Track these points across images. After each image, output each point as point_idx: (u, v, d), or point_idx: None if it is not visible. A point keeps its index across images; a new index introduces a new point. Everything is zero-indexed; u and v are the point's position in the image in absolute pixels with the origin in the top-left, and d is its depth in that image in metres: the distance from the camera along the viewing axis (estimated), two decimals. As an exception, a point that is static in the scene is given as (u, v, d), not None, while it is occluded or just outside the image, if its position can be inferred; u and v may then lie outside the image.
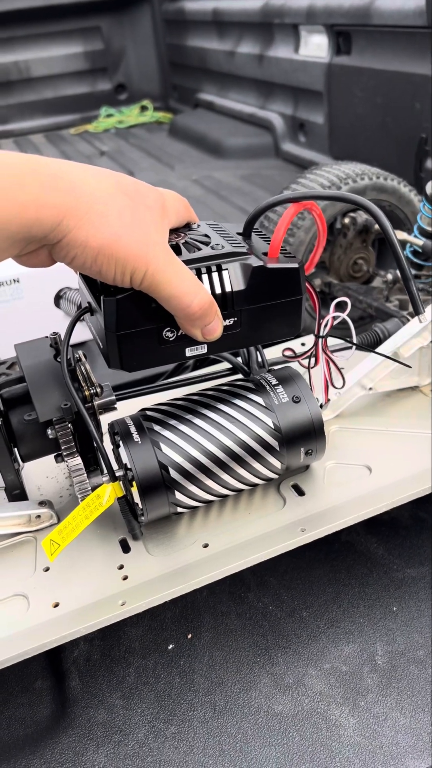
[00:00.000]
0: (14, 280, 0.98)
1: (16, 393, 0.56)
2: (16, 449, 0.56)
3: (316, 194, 0.49)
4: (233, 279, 0.46)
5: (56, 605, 0.49)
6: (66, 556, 0.54)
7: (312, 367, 0.57)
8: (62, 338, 0.56)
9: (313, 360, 0.56)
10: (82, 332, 1.07)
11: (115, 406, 0.58)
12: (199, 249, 0.47)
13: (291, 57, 1.81)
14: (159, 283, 0.43)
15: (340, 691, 0.51)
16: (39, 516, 0.57)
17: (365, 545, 0.64)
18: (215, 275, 0.46)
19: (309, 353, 0.56)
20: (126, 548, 0.54)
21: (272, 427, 0.53)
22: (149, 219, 0.44)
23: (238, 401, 0.54)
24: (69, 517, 0.51)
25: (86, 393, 0.56)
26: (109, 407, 0.58)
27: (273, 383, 0.56)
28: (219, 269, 0.46)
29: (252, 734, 0.49)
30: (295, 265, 0.48)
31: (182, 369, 0.78)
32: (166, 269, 0.43)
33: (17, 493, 0.58)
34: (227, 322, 0.47)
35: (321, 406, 0.58)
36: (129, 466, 0.51)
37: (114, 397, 0.58)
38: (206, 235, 0.49)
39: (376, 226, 0.90)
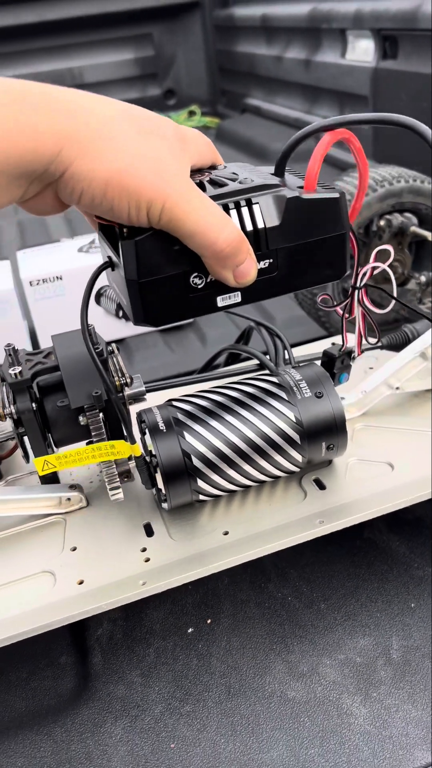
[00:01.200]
0: (57, 278, 1.02)
1: (51, 381, 0.59)
2: (50, 435, 0.59)
3: (353, 119, 0.44)
4: (266, 213, 0.42)
5: (81, 582, 0.52)
6: (93, 537, 0.56)
7: (348, 318, 0.55)
8: (91, 332, 0.58)
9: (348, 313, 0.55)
10: (118, 329, 1.10)
11: (145, 397, 0.61)
12: (226, 185, 0.42)
13: (337, 62, 1.82)
14: (179, 217, 0.38)
15: (353, 681, 0.52)
16: (69, 499, 0.60)
17: (387, 543, 0.64)
18: (245, 210, 0.41)
19: (345, 303, 0.54)
20: (150, 532, 0.56)
21: (294, 420, 0.54)
22: (165, 148, 0.39)
23: (261, 395, 0.56)
24: (75, 450, 0.53)
25: (117, 383, 0.58)
26: (138, 398, 0.61)
27: (297, 378, 0.57)
28: (249, 203, 0.41)
29: (264, 717, 0.50)
30: (336, 195, 0.43)
31: (212, 366, 0.80)
32: (186, 201, 0.38)
33: (49, 476, 0.61)
34: (262, 264, 0.43)
35: (348, 367, 0.61)
36: (154, 453, 0.53)
37: (144, 389, 0.60)
38: (233, 173, 0.45)
39: (412, 228, 0.90)
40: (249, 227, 0.42)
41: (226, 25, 2.58)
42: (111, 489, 0.54)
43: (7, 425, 0.59)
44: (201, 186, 0.43)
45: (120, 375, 0.59)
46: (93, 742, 0.50)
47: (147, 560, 0.53)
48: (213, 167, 0.46)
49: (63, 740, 0.50)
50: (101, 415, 0.58)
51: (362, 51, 1.72)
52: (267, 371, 0.65)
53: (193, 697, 0.52)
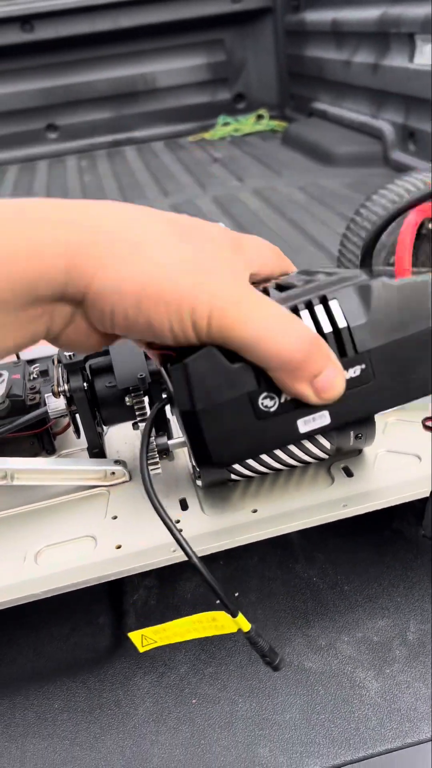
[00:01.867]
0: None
1: (102, 363, 0.64)
2: (99, 414, 0.65)
3: None
4: (347, 309, 0.33)
5: (119, 547, 0.57)
6: (132, 508, 0.61)
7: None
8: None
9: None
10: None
11: (188, 382, 0.65)
12: (295, 286, 0.35)
13: (405, 66, 1.82)
14: (232, 326, 0.31)
15: (368, 657, 0.55)
16: (114, 473, 0.65)
17: (415, 534, 0.66)
18: (319, 309, 0.33)
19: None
20: (184, 506, 0.60)
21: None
22: (211, 250, 0.32)
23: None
24: (174, 623, 0.47)
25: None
26: (182, 383, 0.65)
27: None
28: (324, 300, 0.34)
29: (281, 683, 0.54)
30: (427, 278, 0.35)
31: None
32: (237, 305, 0.31)
33: (97, 451, 0.66)
34: (351, 373, 0.34)
35: None
36: (188, 433, 0.57)
37: (186, 375, 0.65)
38: (306, 272, 0.39)
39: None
40: (327, 328, 0.34)
41: (297, 30, 2.61)
42: (150, 464, 0.59)
43: (61, 403, 0.65)
44: (264, 292, 0.35)
45: (164, 361, 0.63)
46: (122, 692, 0.54)
47: (180, 531, 0.57)
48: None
49: (96, 688, 0.55)
50: (146, 397, 0.63)
51: (430, 55, 1.72)
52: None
53: (217, 660, 0.56)
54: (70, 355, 0.62)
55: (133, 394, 0.61)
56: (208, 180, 2.21)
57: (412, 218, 0.38)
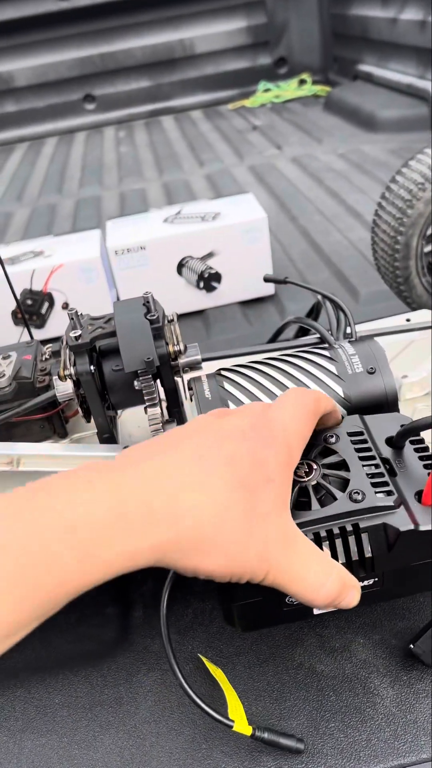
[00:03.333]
0: (141, 248, 1.05)
1: (111, 345, 0.61)
2: (107, 397, 0.62)
3: None
4: (374, 543, 0.39)
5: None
6: (140, 498, 0.59)
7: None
8: (153, 299, 0.60)
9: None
10: (199, 300, 1.11)
11: (201, 365, 0.62)
12: (334, 498, 0.40)
13: (454, 21, 1.71)
14: (282, 584, 0.37)
15: (385, 662, 0.51)
16: (123, 460, 0.62)
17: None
18: (351, 540, 0.39)
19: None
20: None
21: (342, 396, 0.53)
22: (270, 504, 0.36)
23: (310, 367, 0.55)
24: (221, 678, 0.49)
25: (170, 350, 0.59)
26: (194, 366, 0.62)
27: (350, 353, 0.56)
28: (357, 531, 0.39)
29: (289, 686, 0.51)
30: None
31: (278, 339, 0.80)
32: (288, 568, 0.36)
33: (107, 436, 0.64)
34: (365, 583, 0.40)
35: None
36: (198, 420, 0.54)
37: (199, 357, 0.61)
38: (344, 463, 0.42)
39: None
40: (355, 557, 0.39)
41: (341, -13, 2.49)
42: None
43: (68, 387, 0.62)
44: (304, 492, 0.41)
45: (175, 343, 0.60)
46: (125, 689, 0.52)
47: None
48: (327, 431, 0.45)
49: (98, 684, 0.53)
50: (156, 381, 0.60)
51: None
52: (325, 344, 0.64)
53: (224, 658, 0.53)
54: (76, 336, 0.59)
55: (141, 378, 0.58)
56: (246, 148, 2.14)
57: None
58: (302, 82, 2.80)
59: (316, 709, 0.49)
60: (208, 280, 1.10)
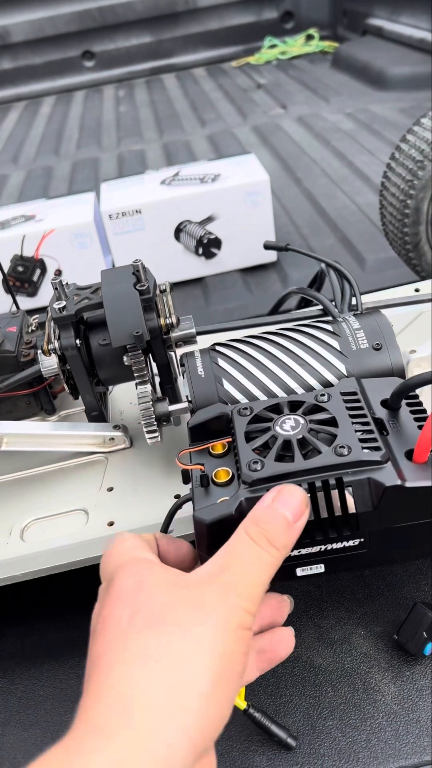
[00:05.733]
0: (136, 211, 1.00)
1: (99, 317, 0.57)
2: (95, 373, 0.58)
3: None
4: (358, 498, 0.37)
5: (111, 524, 0.51)
6: (130, 479, 0.56)
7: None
8: (143, 267, 0.55)
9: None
10: (197, 267, 1.07)
11: (195, 339, 0.58)
12: (319, 452, 0.38)
13: (470, -30, 1.61)
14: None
15: (386, 656, 0.48)
16: (113, 438, 0.59)
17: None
18: (335, 494, 0.37)
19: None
20: (187, 479, 0.54)
21: (345, 374, 0.50)
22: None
23: (311, 343, 0.51)
24: None
25: (162, 322, 0.55)
26: (188, 340, 0.58)
27: (355, 327, 0.52)
28: (340, 485, 0.37)
29: (285, 680, 0.48)
30: None
31: (280, 309, 0.76)
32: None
33: (95, 414, 0.60)
34: (350, 543, 0.39)
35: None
36: (190, 399, 0.50)
37: (194, 330, 0.58)
38: (333, 420, 0.41)
39: None
40: (338, 512, 0.38)
41: None
42: (147, 432, 0.53)
43: (53, 362, 0.58)
44: (288, 447, 0.39)
45: (167, 315, 0.56)
46: (113, 681, 0.50)
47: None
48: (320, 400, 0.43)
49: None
50: (146, 356, 0.56)
51: None
52: (328, 317, 0.60)
53: (217, 649, 0.51)
54: (60, 308, 0.55)
55: (130, 354, 0.54)
56: (250, 108, 2.06)
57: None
58: (309, 37, 2.68)
59: (313, 706, 0.46)
60: (207, 246, 1.06)
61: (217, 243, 1.07)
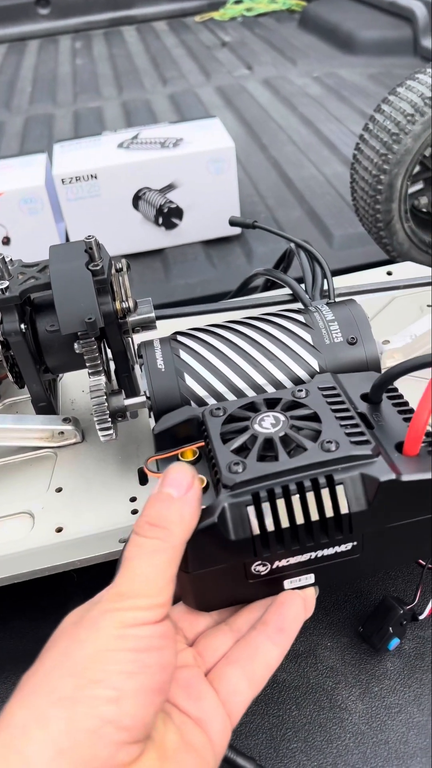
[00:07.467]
0: (92, 176, 0.93)
1: (47, 299, 0.52)
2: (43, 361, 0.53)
3: None
4: (351, 497, 0.34)
5: (59, 530, 0.47)
6: (81, 479, 0.51)
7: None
8: (97, 244, 0.50)
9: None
10: (157, 238, 1.01)
11: (155, 325, 0.53)
12: (304, 449, 0.35)
13: None
14: None
15: (354, 670, 0.46)
16: (62, 432, 0.54)
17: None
18: (325, 493, 0.34)
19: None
20: (143, 480, 0.50)
21: (317, 370, 0.46)
22: None
23: (282, 335, 0.47)
24: None
25: (118, 307, 0.50)
26: (147, 325, 0.53)
27: (328, 318, 0.48)
28: (331, 483, 0.34)
29: (247, 698, 0.45)
30: None
31: (246, 290, 0.71)
32: None
33: (43, 405, 0.55)
34: (343, 548, 0.36)
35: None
36: (148, 395, 0.46)
37: (153, 315, 0.53)
38: (315, 416, 0.38)
39: None
40: (330, 513, 0.34)
41: None
42: (100, 428, 0.48)
43: (-3, 346, 0.53)
44: (271, 446, 0.36)
45: (123, 299, 0.51)
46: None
47: (134, 512, 0.47)
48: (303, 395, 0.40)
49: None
50: (100, 343, 0.51)
51: None
52: (299, 304, 0.56)
53: (174, 663, 0.47)
54: (3, 289, 0.49)
55: (82, 341, 0.49)
56: (214, 67, 1.97)
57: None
58: (276, -6, 2.58)
59: (277, 726, 0.43)
60: (168, 216, 0.99)
61: (178, 213, 1.01)
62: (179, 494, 0.32)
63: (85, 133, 1.54)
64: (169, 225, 1.01)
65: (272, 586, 0.36)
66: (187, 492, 0.33)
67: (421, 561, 0.47)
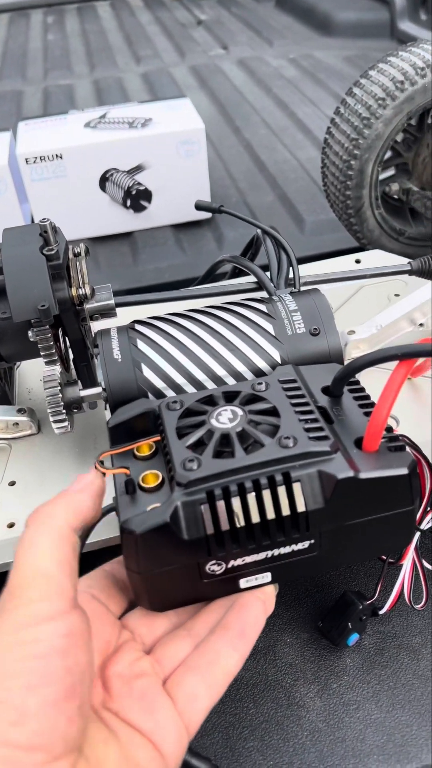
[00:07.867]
0: (57, 156, 0.90)
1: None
2: (-2, 348, 0.51)
3: None
4: (308, 495, 0.33)
5: (11, 525, 0.45)
6: (36, 472, 0.49)
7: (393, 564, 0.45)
8: (52, 227, 0.48)
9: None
10: (125, 221, 0.98)
11: (114, 312, 0.51)
12: (261, 445, 0.34)
13: None
14: None
15: (312, 667, 0.45)
16: (17, 423, 0.52)
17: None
18: (282, 491, 0.33)
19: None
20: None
21: (279, 361, 0.44)
22: None
23: (243, 326, 0.45)
24: None
25: (74, 293, 0.48)
26: (106, 312, 0.51)
27: (291, 308, 0.47)
28: (287, 480, 0.33)
29: (204, 696, 0.44)
30: (404, 471, 0.34)
31: (213, 277, 0.69)
32: None
33: (0, 395, 0.53)
34: (300, 546, 0.35)
35: None
36: (104, 386, 0.44)
37: (112, 302, 0.51)
38: (274, 410, 0.37)
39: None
40: (286, 512, 0.33)
41: None
42: (54, 420, 0.46)
43: None
44: (228, 442, 0.35)
45: (80, 285, 0.49)
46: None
47: (90, 507, 0.46)
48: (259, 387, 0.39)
49: None
50: (57, 331, 0.49)
51: None
52: (263, 292, 0.55)
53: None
54: None
55: (35, 329, 0.47)
56: (189, 46, 1.93)
57: (401, 372, 0.33)
58: (254, -28, 2.53)
59: (233, 725, 0.43)
60: (136, 198, 0.97)
61: (147, 195, 0.98)
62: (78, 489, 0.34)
63: (54, 111, 1.50)
64: (138, 208, 0.99)
65: (228, 585, 0.35)
66: (85, 489, 0.34)
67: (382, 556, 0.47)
